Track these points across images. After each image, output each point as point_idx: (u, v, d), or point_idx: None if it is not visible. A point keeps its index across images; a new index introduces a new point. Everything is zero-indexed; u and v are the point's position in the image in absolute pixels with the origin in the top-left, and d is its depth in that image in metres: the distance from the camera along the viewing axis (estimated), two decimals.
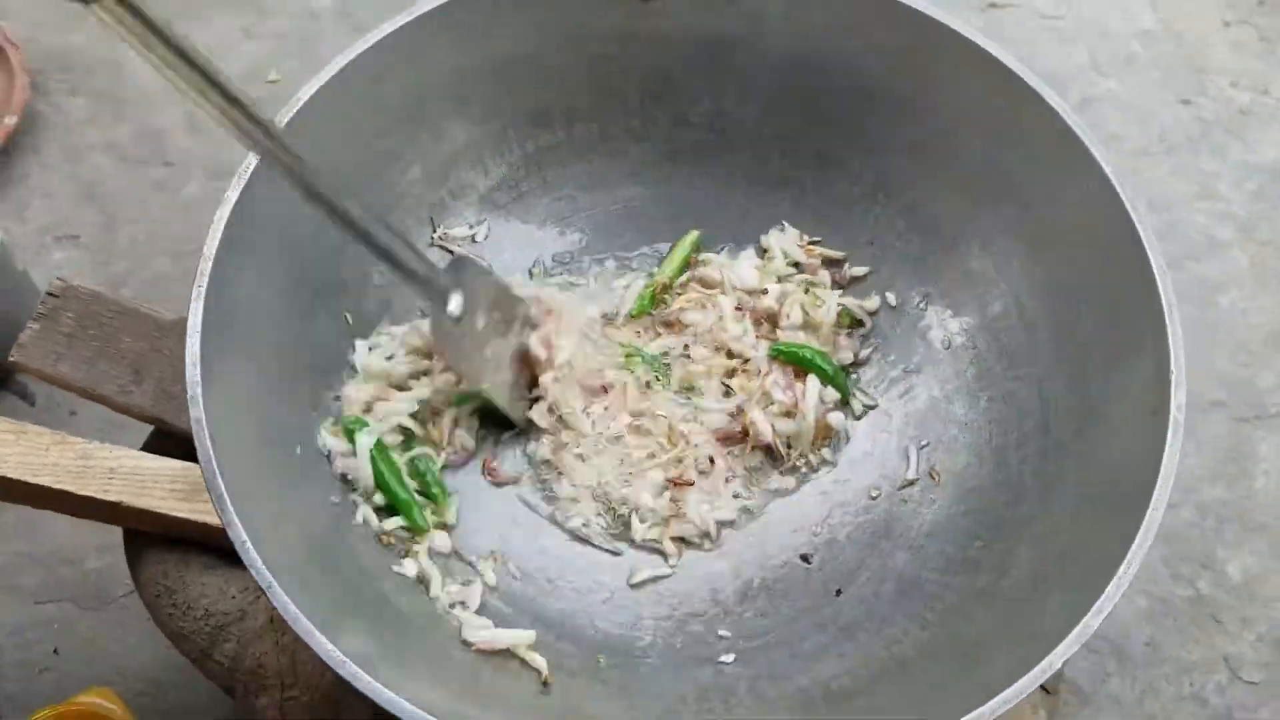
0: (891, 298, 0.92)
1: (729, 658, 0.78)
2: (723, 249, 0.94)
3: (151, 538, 0.91)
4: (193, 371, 0.68)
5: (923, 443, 0.87)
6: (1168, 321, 0.70)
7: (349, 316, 0.86)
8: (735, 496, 0.85)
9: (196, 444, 0.66)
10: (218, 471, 0.65)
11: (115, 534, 0.93)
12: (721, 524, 0.85)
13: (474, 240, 0.93)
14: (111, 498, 0.88)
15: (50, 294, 0.93)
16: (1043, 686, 0.94)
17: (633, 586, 0.83)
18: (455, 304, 0.79)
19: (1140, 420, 0.69)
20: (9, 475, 0.87)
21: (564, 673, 0.75)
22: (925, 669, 0.72)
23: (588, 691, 0.74)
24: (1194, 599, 1.24)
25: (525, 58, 0.88)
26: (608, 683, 0.76)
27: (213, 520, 0.86)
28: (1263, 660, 1.20)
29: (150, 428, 0.95)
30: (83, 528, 1.15)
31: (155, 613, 0.91)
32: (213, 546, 0.90)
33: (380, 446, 0.81)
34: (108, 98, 1.48)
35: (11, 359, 0.89)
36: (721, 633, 0.80)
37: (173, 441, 0.93)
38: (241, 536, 0.63)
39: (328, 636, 0.62)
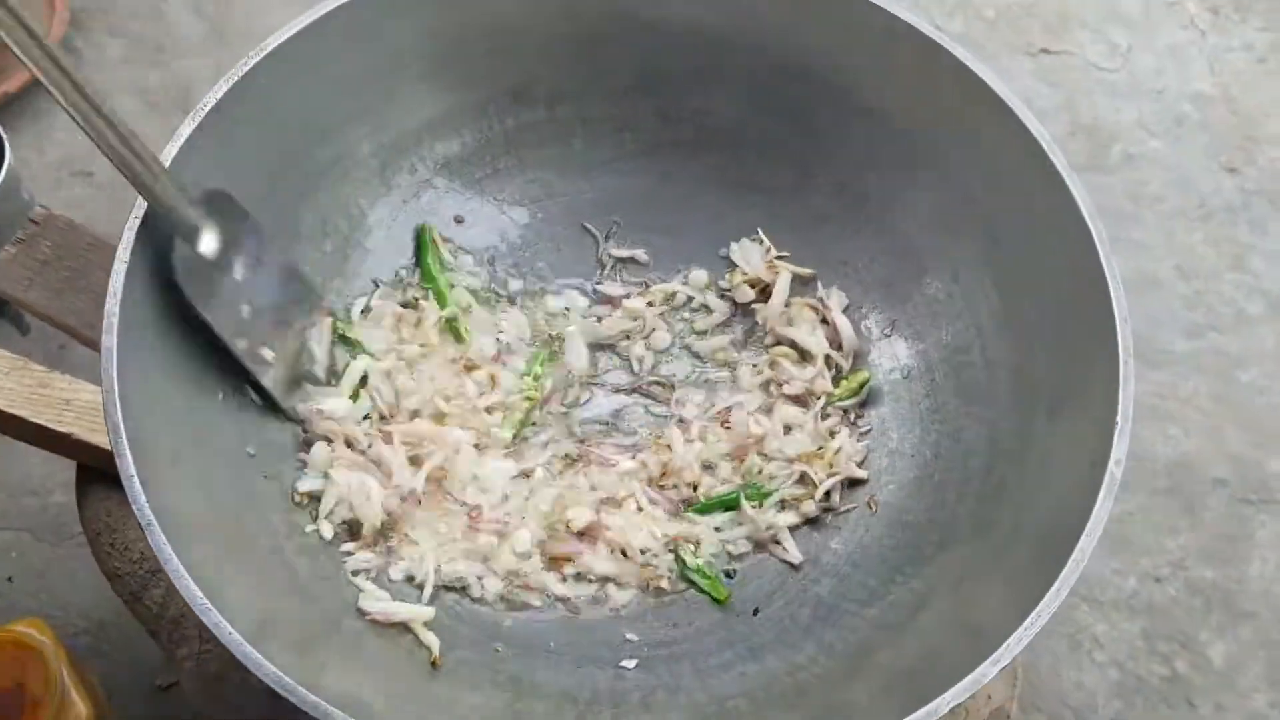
0: (867, 326, 0.89)
1: (631, 663, 0.76)
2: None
3: (102, 475, 0.91)
4: (112, 302, 0.67)
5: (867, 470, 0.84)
6: (1121, 373, 0.66)
7: None
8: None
9: (102, 371, 0.65)
10: (117, 403, 0.64)
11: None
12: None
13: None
14: (63, 429, 0.88)
15: (32, 220, 0.94)
16: None
17: None
18: (208, 243, 0.72)
19: (1080, 472, 0.66)
20: None
21: (455, 657, 0.73)
22: (824, 698, 0.69)
23: (474, 679, 0.72)
24: (1170, 679, 1.19)
25: (517, 28, 0.86)
26: (498, 673, 0.73)
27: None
28: None
29: None
30: (55, 463, 1.16)
31: (95, 549, 0.92)
32: None
33: None
34: (145, 43, 1.50)
35: None
36: (629, 636, 0.78)
37: None
38: (130, 471, 0.62)
39: (203, 589, 0.60)
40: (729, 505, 0.83)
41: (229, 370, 0.76)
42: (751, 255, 0.90)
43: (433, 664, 0.72)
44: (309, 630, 0.68)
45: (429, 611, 0.75)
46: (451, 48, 0.85)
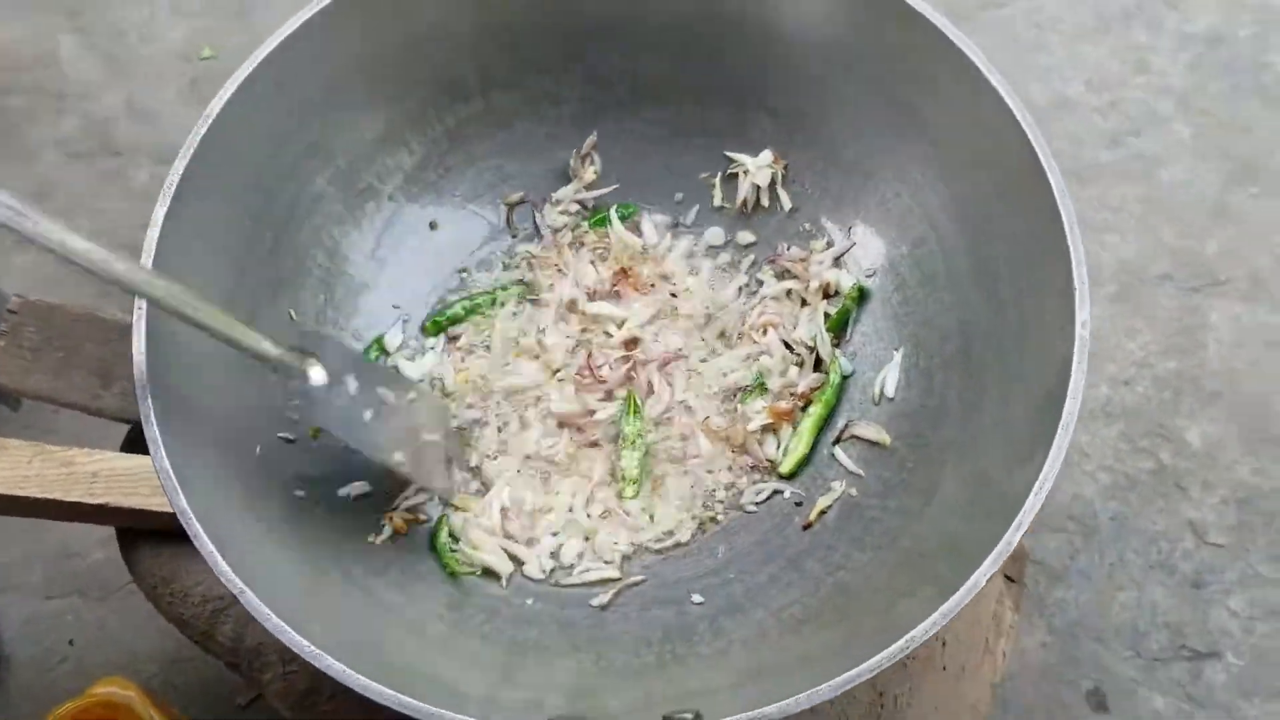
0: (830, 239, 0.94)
1: (698, 598, 0.82)
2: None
3: (143, 531, 0.95)
4: (144, 397, 0.71)
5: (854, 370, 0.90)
6: (1069, 239, 0.71)
7: (293, 313, 0.88)
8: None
9: (155, 464, 0.69)
10: (178, 489, 0.68)
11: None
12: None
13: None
14: (98, 501, 0.91)
15: (10, 311, 0.96)
16: (1006, 576, 0.99)
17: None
18: (317, 374, 0.79)
19: (1051, 340, 0.71)
20: None
21: (535, 633, 0.81)
22: (867, 592, 0.76)
23: (556, 647, 0.79)
24: (1156, 470, 1.28)
25: (437, 31, 0.88)
26: (577, 634, 0.81)
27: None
28: (1227, 523, 1.25)
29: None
30: (83, 524, 1.20)
31: (156, 602, 0.96)
32: None
33: None
34: (44, 92, 1.49)
35: None
36: (684, 573, 0.85)
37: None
38: (209, 549, 0.67)
39: (306, 636, 0.66)
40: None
41: (259, 425, 0.81)
42: (763, 164, 0.95)
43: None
44: (396, 642, 0.75)
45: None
46: (380, 65, 0.88)
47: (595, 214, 0.97)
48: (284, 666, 0.93)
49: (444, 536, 0.85)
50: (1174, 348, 1.33)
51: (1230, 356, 1.32)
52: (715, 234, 0.96)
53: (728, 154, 0.95)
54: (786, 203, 0.95)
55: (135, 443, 0.97)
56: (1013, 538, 0.65)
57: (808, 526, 0.84)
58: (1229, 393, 1.31)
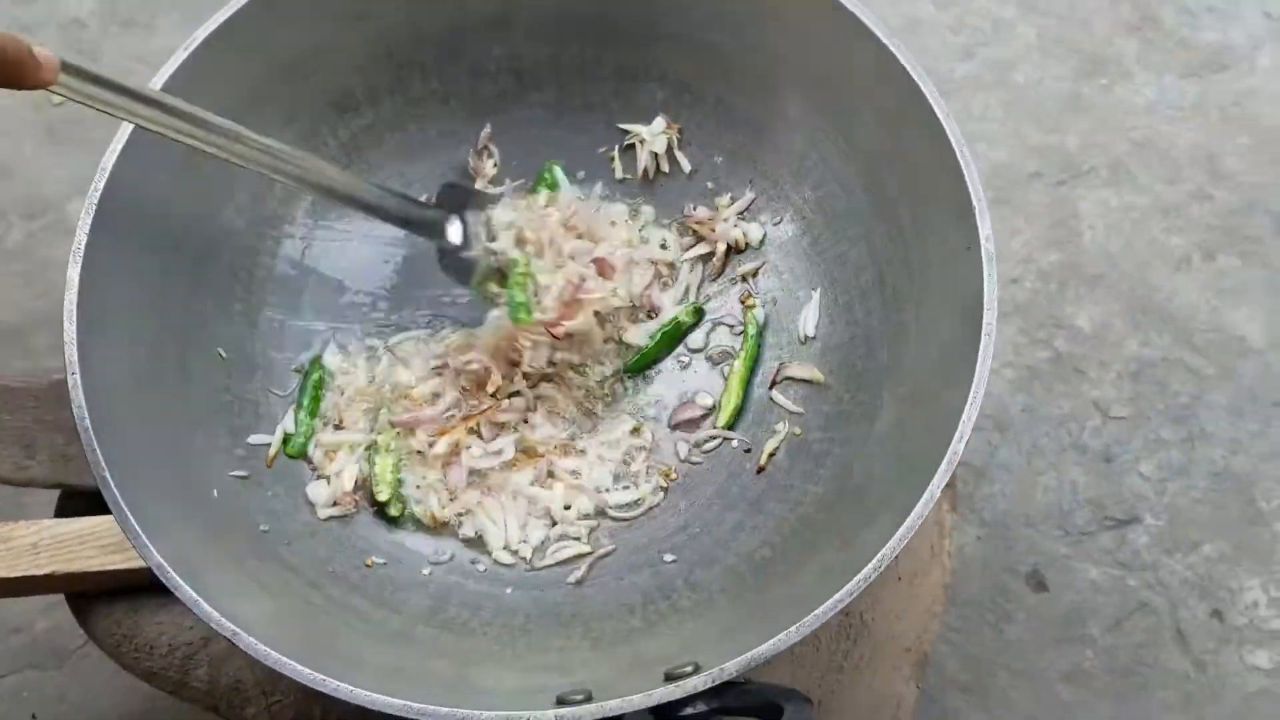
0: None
1: (669, 557, 0.85)
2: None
3: (90, 595, 0.94)
4: (89, 436, 0.71)
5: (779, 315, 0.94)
6: (960, 159, 0.75)
7: (222, 352, 0.88)
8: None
9: (107, 498, 0.70)
10: (147, 543, 0.69)
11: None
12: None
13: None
14: (44, 571, 0.90)
15: None
16: None
17: None
18: (454, 232, 0.85)
19: (959, 256, 0.75)
20: None
21: (523, 617, 0.83)
22: (830, 522, 0.80)
23: (546, 631, 0.82)
24: (1054, 358, 1.35)
25: (313, 51, 0.89)
26: (562, 611, 0.83)
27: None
28: (1125, 396, 1.33)
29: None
30: (20, 598, 1.18)
31: (120, 659, 0.94)
32: (153, 586, 0.94)
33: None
34: None
35: None
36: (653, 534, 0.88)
37: (83, 499, 0.95)
38: (193, 597, 0.67)
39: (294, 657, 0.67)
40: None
41: (211, 467, 0.81)
42: (658, 132, 0.97)
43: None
44: (388, 654, 0.76)
45: None
46: (263, 93, 0.88)
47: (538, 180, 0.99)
48: (267, 699, 0.93)
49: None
50: (1053, 240, 1.40)
51: (1105, 240, 1.40)
52: (619, 210, 0.98)
53: (621, 126, 0.97)
54: (686, 165, 0.97)
55: (65, 508, 0.96)
56: (958, 447, 0.69)
57: (761, 470, 0.88)
58: (1109, 274, 1.38)
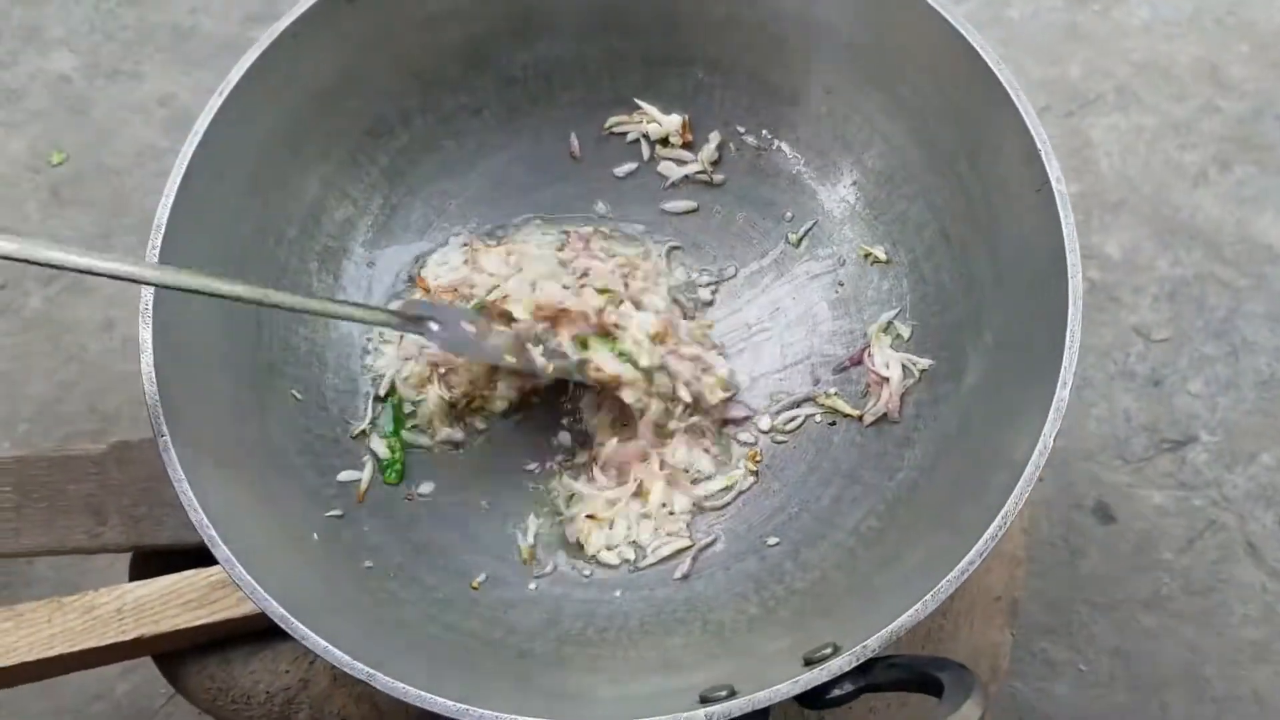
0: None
1: (773, 540, 0.85)
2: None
3: (177, 654, 0.94)
4: (194, 508, 0.70)
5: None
6: (1020, 106, 0.75)
7: (296, 394, 0.87)
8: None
9: (218, 555, 0.68)
10: (252, 583, 0.68)
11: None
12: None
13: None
14: (131, 635, 0.90)
15: None
16: None
17: None
18: (434, 325, 0.82)
19: (1027, 200, 0.75)
20: (25, 660, 0.88)
21: (639, 615, 0.83)
22: (935, 484, 0.79)
23: (666, 625, 0.81)
24: (1089, 289, 1.35)
25: (341, 80, 0.88)
26: (677, 606, 0.83)
27: (234, 614, 0.89)
28: (1164, 317, 1.33)
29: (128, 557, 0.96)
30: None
31: (218, 714, 0.94)
32: (241, 635, 0.93)
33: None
34: None
35: None
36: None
37: (157, 559, 0.95)
38: (320, 644, 0.66)
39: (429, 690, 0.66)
40: None
41: (306, 507, 0.81)
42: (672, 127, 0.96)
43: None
44: (510, 669, 0.76)
45: None
46: (298, 129, 0.87)
47: None
48: None
49: None
50: (1070, 171, 1.40)
51: (1122, 165, 1.40)
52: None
53: (637, 100, 0.96)
54: (719, 178, 0.97)
55: (142, 569, 0.95)
56: (1063, 394, 0.69)
57: (874, 423, 0.87)
58: (1130, 198, 1.38)
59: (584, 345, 0.87)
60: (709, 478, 0.89)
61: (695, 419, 0.89)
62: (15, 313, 1.36)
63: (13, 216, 1.41)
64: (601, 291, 0.89)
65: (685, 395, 0.88)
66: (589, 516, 0.87)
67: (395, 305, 0.92)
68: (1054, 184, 0.74)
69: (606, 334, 0.87)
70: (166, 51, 1.49)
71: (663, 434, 0.89)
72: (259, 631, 0.93)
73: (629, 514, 0.86)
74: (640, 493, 0.87)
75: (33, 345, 1.34)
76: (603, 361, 0.86)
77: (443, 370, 0.90)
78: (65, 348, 1.34)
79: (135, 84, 1.48)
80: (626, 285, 0.91)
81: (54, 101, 1.48)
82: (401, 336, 0.91)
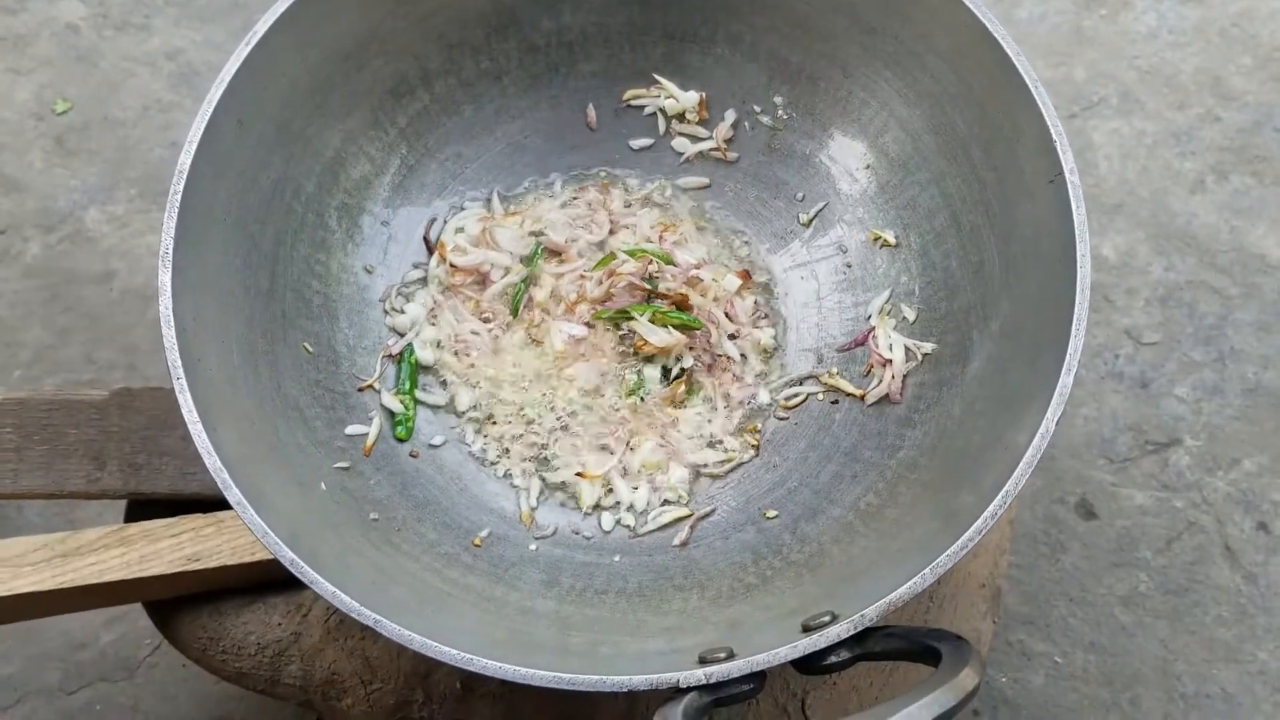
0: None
1: (772, 513, 0.86)
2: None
3: (171, 602, 0.94)
4: (209, 452, 0.70)
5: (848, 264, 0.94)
6: (1036, 96, 0.76)
7: (308, 346, 0.88)
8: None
9: (232, 500, 0.69)
10: (263, 524, 0.69)
11: (117, 608, 0.95)
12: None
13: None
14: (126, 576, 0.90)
15: None
16: None
17: None
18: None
19: (1040, 190, 0.76)
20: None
21: (636, 581, 0.84)
22: (937, 462, 0.80)
23: (661, 592, 0.82)
24: None
25: (367, 38, 0.88)
26: (674, 573, 0.84)
27: (229, 562, 0.90)
28: (1155, 321, 1.35)
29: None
30: (79, 614, 1.17)
31: (207, 664, 0.95)
32: (233, 588, 0.94)
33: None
34: None
35: None
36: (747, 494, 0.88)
37: (152, 507, 0.95)
38: (329, 589, 0.67)
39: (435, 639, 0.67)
40: None
41: (315, 458, 0.81)
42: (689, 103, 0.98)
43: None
44: (516, 631, 0.77)
45: None
46: (322, 85, 0.87)
47: None
48: (366, 688, 0.94)
49: None
50: None
51: (1121, 169, 1.41)
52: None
53: (655, 75, 0.97)
54: (733, 155, 0.98)
55: (136, 519, 0.95)
56: (1067, 380, 0.70)
57: (875, 403, 0.89)
58: (1128, 202, 1.40)
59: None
60: (719, 443, 0.90)
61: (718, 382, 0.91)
62: (15, 259, 1.36)
63: (17, 165, 1.40)
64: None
65: (733, 351, 0.91)
66: (578, 474, 0.89)
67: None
68: (1067, 175, 0.75)
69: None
70: (177, 6, 1.49)
71: (676, 400, 0.90)
72: (253, 586, 0.94)
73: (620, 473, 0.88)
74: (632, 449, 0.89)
75: (31, 293, 1.34)
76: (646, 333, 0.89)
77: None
78: (63, 297, 1.34)
79: (144, 36, 1.48)
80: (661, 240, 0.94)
81: (61, 50, 1.47)
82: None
